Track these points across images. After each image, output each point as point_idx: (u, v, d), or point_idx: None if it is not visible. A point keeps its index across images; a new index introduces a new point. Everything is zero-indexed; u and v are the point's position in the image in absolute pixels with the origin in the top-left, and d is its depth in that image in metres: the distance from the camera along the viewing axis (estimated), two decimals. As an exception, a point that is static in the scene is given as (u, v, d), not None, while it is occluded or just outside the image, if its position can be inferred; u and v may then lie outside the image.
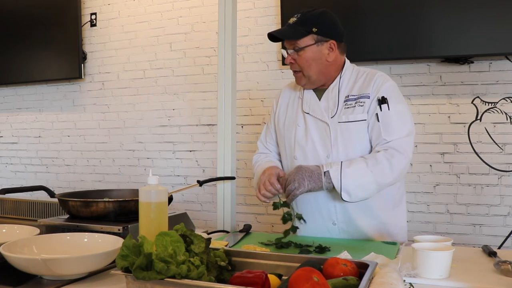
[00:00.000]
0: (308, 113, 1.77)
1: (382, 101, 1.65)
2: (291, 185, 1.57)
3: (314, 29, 1.68)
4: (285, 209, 1.69)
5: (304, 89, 1.82)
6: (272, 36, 1.73)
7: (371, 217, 1.73)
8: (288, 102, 1.88)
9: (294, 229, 1.70)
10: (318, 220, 1.76)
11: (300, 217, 1.69)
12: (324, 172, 1.59)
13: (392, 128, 1.64)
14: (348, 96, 1.72)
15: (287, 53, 1.73)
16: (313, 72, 1.72)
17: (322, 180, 1.59)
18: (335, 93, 1.74)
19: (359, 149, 1.69)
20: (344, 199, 1.59)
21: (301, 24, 1.69)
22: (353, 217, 1.72)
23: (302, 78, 1.75)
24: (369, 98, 1.68)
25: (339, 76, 1.76)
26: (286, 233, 1.70)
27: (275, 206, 1.68)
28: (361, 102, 1.68)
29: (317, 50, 1.70)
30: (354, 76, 1.76)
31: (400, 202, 1.81)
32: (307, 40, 1.68)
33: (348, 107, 1.70)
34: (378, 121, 1.65)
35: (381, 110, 1.65)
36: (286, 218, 1.70)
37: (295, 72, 1.76)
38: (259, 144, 1.98)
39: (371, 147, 1.69)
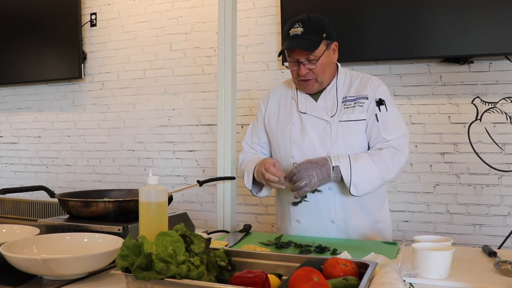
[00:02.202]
0: (305, 113, 1.78)
1: (380, 102, 1.72)
2: (300, 182, 1.59)
3: (324, 35, 1.69)
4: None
5: (297, 90, 1.83)
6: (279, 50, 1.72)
7: (366, 215, 1.78)
8: (279, 103, 1.88)
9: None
10: (316, 218, 1.77)
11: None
12: (333, 167, 1.61)
13: (390, 128, 1.71)
14: (345, 97, 1.76)
15: (301, 64, 1.69)
16: (326, 76, 1.75)
17: (331, 175, 1.62)
18: (333, 94, 1.78)
19: (357, 148, 1.73)
20: (352, 193, 1.63)
21: (311, 32, 1.67)
22: (351, 215, 1.76)
23: (314, 85, 1.75)
24: (367, 99, 1.74)
25: (335, 78, 1.79)
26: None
27: (295, 204, 1.78)
28: (361, 103, 1.73)
29: (328, 55, 1.72)
30: (348, 78, 1.81)
31: (385, 200, 1.88)
32: (321, 47, 1.69)
33: (347, 107, 1.74)
34: (378, 121, 1.71)
35: (380, 111, 1.72)
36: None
37: (306, 80, 1.73)
38: (244, 144, 1.98)
39: (368, 146, 1.75)
